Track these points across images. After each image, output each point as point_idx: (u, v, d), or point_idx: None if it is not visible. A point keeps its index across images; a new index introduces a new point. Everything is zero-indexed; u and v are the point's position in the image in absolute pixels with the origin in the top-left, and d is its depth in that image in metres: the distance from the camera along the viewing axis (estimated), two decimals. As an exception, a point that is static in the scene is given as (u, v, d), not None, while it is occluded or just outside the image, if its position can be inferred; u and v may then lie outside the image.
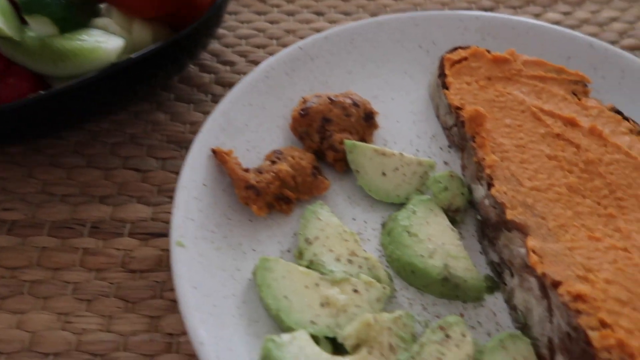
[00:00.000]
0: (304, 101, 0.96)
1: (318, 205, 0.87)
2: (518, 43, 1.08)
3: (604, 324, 0.65)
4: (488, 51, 1.02)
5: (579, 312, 0.67)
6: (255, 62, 1.20)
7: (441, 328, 0.73)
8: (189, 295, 0.73)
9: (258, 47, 1.25)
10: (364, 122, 0.96)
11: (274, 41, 1.27)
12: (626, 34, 1.29)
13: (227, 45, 1.25)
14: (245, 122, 0.96)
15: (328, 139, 0.93)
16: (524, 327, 0.76)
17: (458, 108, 0.95)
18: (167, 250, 0.90)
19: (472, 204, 0.90)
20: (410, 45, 1.11)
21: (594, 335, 0.64)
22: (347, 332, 0.72)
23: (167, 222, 0.94)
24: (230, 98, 0.96)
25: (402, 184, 0.91)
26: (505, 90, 0.96)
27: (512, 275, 0.79)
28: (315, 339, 0.73)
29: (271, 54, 1.21)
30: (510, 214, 0.79)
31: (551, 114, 0.92)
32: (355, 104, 0.96)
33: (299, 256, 0.83)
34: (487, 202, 0.85)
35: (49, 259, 0.90)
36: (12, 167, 1.01)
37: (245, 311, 0.77)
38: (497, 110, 0.93)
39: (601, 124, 0.90)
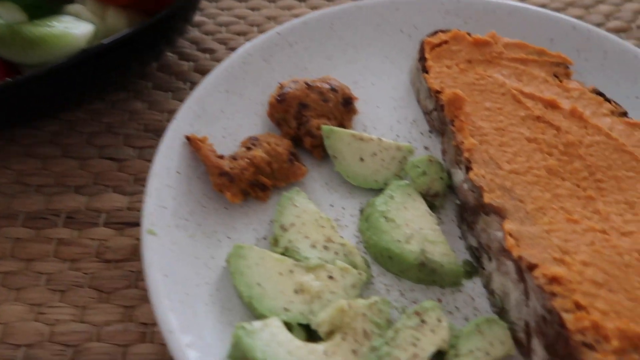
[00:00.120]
0: (281, 87, 0.95)
1: (294, 191, 0.86)
2: (500, 26, 1.06)
3: (579, 306, 0.64)
4: (469, 34, 1.00)
5: (554, 294, 0.65)
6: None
7: (417, 313, 0.72)
8: (159, 284, 0.72)
9: (238, 34, 1.23)
10: (343, 107, 0.95)
11: (255, 28, 1.25)
12: (612, 16, 1.27)
13: (207, 33, 1.23)
14: (221, 109, 0.95)
15: (305, 125, 0.91)
16: (501, 312, 0.75)
17: (437, 92, 0.93)
18: (142, 240, 0.89)
19: (451, 188, 0.89)
20: (391, 30, 1.10)
21: (568, 317, 0.63)
22: (320, 319, 0.71)
23: (143, 211, 0.92)
24: (205, 85, 0.94)
25: (381, 170, 0.89)
26: (485, 73, 0.95)
27: (490, 259, 0.78)
28: (289, 326, 0.72)
29: (252, 41, 1.19)
30: (487, 198, 0.77)
31: (531, 97, 0.90)
32: (333, 89, 0.94)
33: (274, 243, 0.81)
34: (465, 186, 0.83)
35: (22, 249, 0.88)
36: (-14, 158, 1.00)
37: (219, 299, 0.76)
38: (477, 93, 0.92)
39: (582, 105, 0.89)
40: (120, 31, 0.94)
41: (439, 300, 0.78)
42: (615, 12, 1.28)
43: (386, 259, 0.80)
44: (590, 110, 0.88)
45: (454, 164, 0.87)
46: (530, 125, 0.87)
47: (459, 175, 0.86)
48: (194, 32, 1.22)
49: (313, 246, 0.80)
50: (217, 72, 0.97)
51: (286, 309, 0.73)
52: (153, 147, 1.02)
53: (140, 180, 0.97)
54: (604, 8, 1.29)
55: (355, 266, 0.78)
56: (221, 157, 0.86)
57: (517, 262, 0.71)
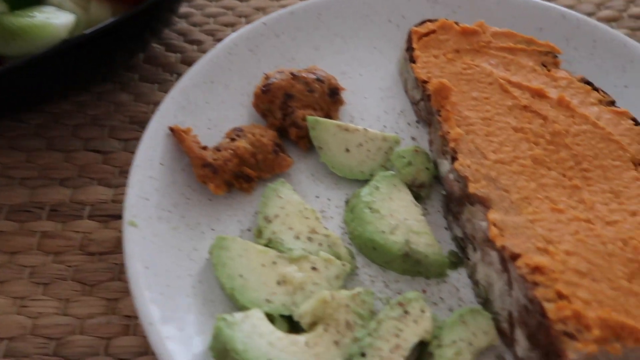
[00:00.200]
0: (267, 77, 0.94)
1: (279, 183, 0.85)
2: (489, 15, 1.05)
3: (561, 296, 0.63)
4: (457, 23, 0.99)
5: (536, 284, 0.65)
6: (223, 41, 1.17)
7: (400, 304, 0.72)
8: (139, 275, 0.71)
9: (226, 25, 1.22)
10: (329, 98, 0.94)
11: (243, 19, 1.24)
12: (603, 5, 1.26)
13: (194, 24, 1.22)
14: (206, 100, 0.94)
15: (290, 116, 0.90)
16: (485, 302, 0.74)
17: (424, 82, 0.92)
18: (126, 232, 0.88)
19: (438, 179, 0.88)
20: (380, 20, 1.08)
21: (549, 306, 0.62)
22: (302, 310, 0.70)
23: (128, 203, 0.92)
24: (189, 76, 0.93)
25: (367, 160, 0.89)
26: (473, 62, 0.94)
27: (474, 249, 0.77)
28: (272, 317, 0.71)
29: (239, 32, 1.18)
30: (472, 188, 0.77)
31: (519, 86, 0.89)
32: (319, 80, 0.93)
33: (258, 235, 0.81)
34: (451, 176, 0.82)
35: (5, 242, 0.88)
36: (-30, 151, 0.99)
37: (201, 291, 0.75)
38: (464, 83, 0.91)
39: (570, 95, 0.88)
40: (103, 21, 0.93)
41: (424, 291, 0.78)
42: (607, 1, 1.26)
43: (370, 250, 0.79)
44: (578, 100, 0.87)
45: (441, 155, 0.87)
46: (517, 115, 0.86)
47: (445, 165, 0.85)
48: (181, 24, 1.21)
49: (297, 237, 0.79)
50: (202, 63, 0.96)
51: (268, 301, 0.72)
52: (138, 139, 0.99)
53: (126, 172, 0.96)
54: (595, -3, 1.28)
55: (339, 257, 0.78)
56: (205, 148, 0.85)
57: (501, 252, 0.70)
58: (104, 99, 1.07)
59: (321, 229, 0.81)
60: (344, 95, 0.98)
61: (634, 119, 0.84)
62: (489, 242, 0.72)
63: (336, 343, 0.69)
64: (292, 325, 0.72)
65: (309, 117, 0.89)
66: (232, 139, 0.87)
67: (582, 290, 0.64)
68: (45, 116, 1.04)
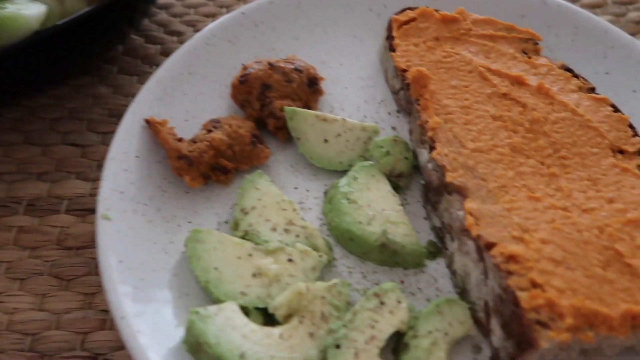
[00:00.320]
0: (244, 68, 0.93)
1: (257, 174, 0.84)
2: (470, 2, 1.03)
3: (534, 284, 0.63)
4: (437, 11, 0.98)
5: (510, 273, 0.64)
6: (204, 32, 1.16)
7: (376, 295, 0.71)
8: (112, 269, 0.70)
9: (207, 16, 1.21)
10: (308, 88, 0.93)
11: (224, 10, 1.22)
12: (588, -8, 1.25)
13: (174, 15, 1.20)
14: (184, 91, 0.93)
15: (268, 106, 0.89)
16: (462, 292, 0.74)
17: (404, 70, 0.91)
18: (103, 226, 0.87)
19: (418, 169, 0.88)
20: (360, 9, 1.07)
21: (522, 295, 0.62)
22: (277, 302, 0.70)
23: (105, 197, 0.91)
24: (166, 67, 0.92)
25: (345, 151, 0.88)
26: (453, 50, 0.93)
27: (452, 239, 0.76)
28: (247, 310, 0.71)
29: (220, 23, 1.17)
30: (449, 177, 0.76)
31: (498, 74, 0.88)
32: (297, 70, 0.92)
33: (234, 227, 0.80)
34: (430, 165, 0.82)
35: (-18, 238, 0.87)
36: (-54, 146, 0.98)
37: (176, 284, 0.74)
38: (444, 71, 0.90)
39: (549, 82, 0.87)
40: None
41: (402, 282, 0.77)
42: (591, -12, 1.25)
43: (348, 241, 0.79)
44: (558, 87, 0.87)
45: (420, 144, 0.86)
46: (496, 103, 0.85)
47: (424, 155, 0.84)
48: (161, 15, 1.20)
49: (274, 229, 0.78)
50: (180, 54, 0.94)
51: (243, 293, 0.71)
52: (117, 132, 1.00)
53: (104, 166, 0.95)
54: (580, -16, 1.27)
55: (316, 249, 0.77)
56: (180, 140, 0.84)
57: (477, 241, 0.69)
58: (82, 92, 1.05)
59: (298, 220, 0.80)
60: (324, 85, 0.97)
61: (613, 106, 0.84)
62: (465, 231, 0.72)
63: (311, 335, 0.68)
64: (268, 318, 0.71)
65: (287, 108, 0.88)
66: (209, 131, 0.86)
67: (557, 279, 0.63)
68: (23, 110, 1.02)
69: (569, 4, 1.01)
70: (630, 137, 0.79)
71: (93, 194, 0.92)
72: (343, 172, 0.87)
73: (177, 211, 0.82)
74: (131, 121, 0.85)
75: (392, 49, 0.95)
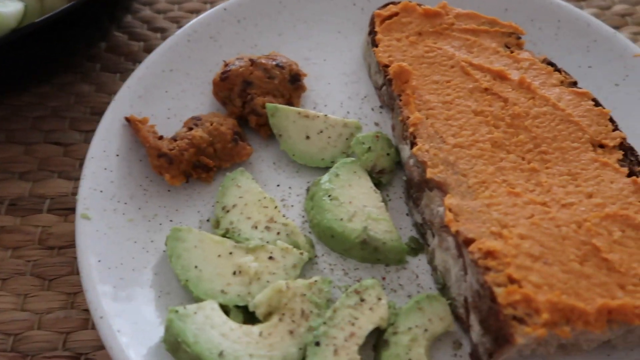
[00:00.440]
0: (226, 65, 0.92)
1: (238, 172, 0.84)
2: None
3: (512, 280, 0.63)
4: (419, 5, 0.97)
5: (488, 269, 0.64)
6: (188, 28, 1.15)
7: (356, 292, 0.71)
8: (92, 269, 0.70)
9: (191, 12, 1.20)
10: (290, 84, 0.92)
11: (208, 5, 1.21)
12: (574, -15, 1.24)
13: (158, 11, 1.19)
14: (166, 89, 0.92)
15: (250, 103, 0.89)
16: (443, 288, 0.74)
17: (386, 66, 0.91)
18: (86, 225, 0.87)
19: (401, 165, 0.87)
20: (344, 3, 1.06)
21: (499, 291, 0.62)
22: (257, 300, 0.70)
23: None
24: (147, 64, 0.92)
25: (327, 147, 0.88)
26: (435, 45, 0.92)
27: (433, 235, 0.76)
28: (228, 309, 0.71)
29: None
30: (430, 173, 0.76)
31: (480, 68, 0.88)
32: (279, 66, 0.92)
33: (215, 225, 0.80)
34: (411, 161, 0.82)
35: (-37, 238, 0.87)
36: None
37: (157, 283, 0.74)
38: (426, 66, 0.90)
39: (531, 76, 0.87)
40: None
41: (383, 278, 0.77)
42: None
43: (329, 238, 0.79)
44: (540, 81, 0.86)
45: (402, 140, 0.86)
46: (478, 98, 0.85)
47: (405, 151, 0.84)
48: (145, 11, 1.19)
49: (255, 227, 0.78)
50: (161, 51, 0.94)
51: (223, 292, 0.71)
52: (99, 131, 0.99)
53: (86, 164, 0.95)
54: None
55: (297, 246, 0.77)
56: (161, 138, 0.84)
57: (456, 237, 0.69)
58: (65, 90, 1.05)
59: (280, 218, 0.80)
60: (307, 81, 0.97)
61: (594, 100, 0.83)
62: (445, 227, 0.72)
63: (291, 332, 0.68)
64: (249, 316, 0.71)
65: (269, 104, 0.88)
66: (190, 128, 0.85)
67: (534, 274, 0.63)
68: (5, 108, 1.02)
69: (552, -2, 1.01)
70: (611, 131, 0.79)
71: (75, 193, 0.91)
72: (326, 169, 0.86)
73: (158, 210, 0.82)
74: (111, 120, 0.85)
75: (374, 44, 0.95)
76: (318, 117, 0.88)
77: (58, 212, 0.90)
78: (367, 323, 0.69)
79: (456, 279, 0.70)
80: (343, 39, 1.05)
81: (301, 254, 0.76)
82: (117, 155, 0.83)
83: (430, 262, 0.77)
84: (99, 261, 0.72)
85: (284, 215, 0.81)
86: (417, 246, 0.80)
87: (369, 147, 0.85)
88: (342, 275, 0.78)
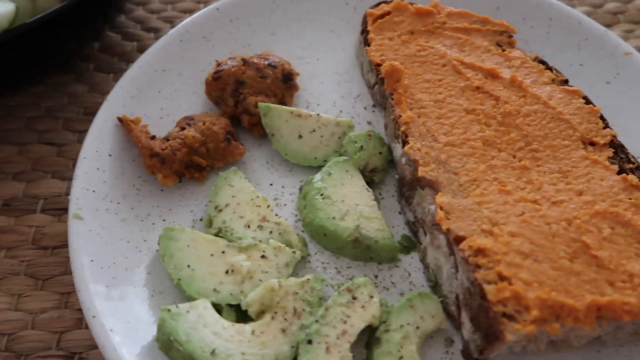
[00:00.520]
0: (218, 64, 0.92)
1: (231, 171, 0.84)
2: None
3: (502, 277, 0.63)
4: (411, 4, 0.97)
5: (478, 266, 0.65)
6: (181, 28, 1.15)
7: (348, 290, 0.71)
8: (84, 268, 0.71)
9: (184, 12, 1.20)
10: (282, 84, 0.92)
11: (202, 5, 1.21)
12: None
13: (151, 11, 1.19)
14: (158, 89, 0.92)
15: (242, 103, 0.89)
16: (435, 286, 0.74)
17: (378, 65, 0.91)
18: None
19: (393, 163, 0.88)
20: (337, 2, 1.07)
21: (489, 288, 0.62)
22: (249, 299, 0.70)
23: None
24: (139, 64, 0.92)
25: (320, 146, 0.88)
26: (427, 44, 0.92)
27: (425, 233, 0.77)
28: (220, 307, 0.71)
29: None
30: (422, 171, 0.76)
31: (472, 67, 0.88)
32: (271, 65, 0.92)
33: (208, 224, 0.80)
34: (403, 160, 0.82)
35: (-44, 239, 0.87)
36: None
37: (150, 283, 0.75)
38: (418, 65, 0.90)
39: (523, 74, 0.87)
40: (51, 11, 0.91)
41: (376, 277, 0.78)
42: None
43: (321, 237, 0.79)
44: (531, 79, 0.87)
45: (394, 138, 0.86)
46: (469, 96, 0.85)
47: (398, 149, 0.84)
48: (138, 11, 1.19)
49: (247, 226, 0.79)
50: (153, 51, 0.94)
51: (216, 290, 0.72)
52: (93, 131, 1.00)
53: (80, 164, 0.95)
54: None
55: (290, 245, 0.77)
56: (153, 138, 0.84)
57: (447, 235, 0.70)
58: (58, 90, 1.05)
59: (272, 217, 0.80)
60: (300, 80, 0.97)
61: (585, 98, 0.84)
62: (436, 225, 0.72)
63: (283, 331, 0.69)
64: (241, 315, 0.72)
65: (261, 104, 0.88)
66: (182, 128, 0.85)
67: (524, 271, 0.64)
68: (-1, 109, 1.02)
69: (544, -4, 1.01)
70: (601, 129, 0.80)
71: (69, 193, 0.91)
72: (318, 168, 0.87)
73: (151, 209, 0.82)
74: (104, 120, 0.85)
75: (366, 43, 0.95)
76: (310, 116, 0.89)
77: (52, 212, 0.90)
78: (359, 321, 0.69)
79: (447, 276, 0.71)
80: (336, 38, 1.05)
81: (294, 252, 0.76)
82: (110, 155, 0.83)
83: (423, 260, 0.78)
84: (92, 261, 0.72)
85: (276, 214, 0.81)
86: (410, 244, 0.80)
87: (361, 146, 0.85)
88: (334, 273, 0.78)
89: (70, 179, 0.93)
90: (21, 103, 1.03)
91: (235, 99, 0.90)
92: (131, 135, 0.83)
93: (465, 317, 0.67)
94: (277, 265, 0.75)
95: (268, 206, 0.81)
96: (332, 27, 1.06)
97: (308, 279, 0.73)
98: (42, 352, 0.76)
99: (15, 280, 0.83)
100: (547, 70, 0.88)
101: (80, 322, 0.79)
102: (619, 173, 0.75)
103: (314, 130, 0.88)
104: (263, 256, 0.75)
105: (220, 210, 0.80)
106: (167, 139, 0.84)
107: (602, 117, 0.81)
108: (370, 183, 0.85)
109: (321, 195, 0.81)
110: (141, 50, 1.12)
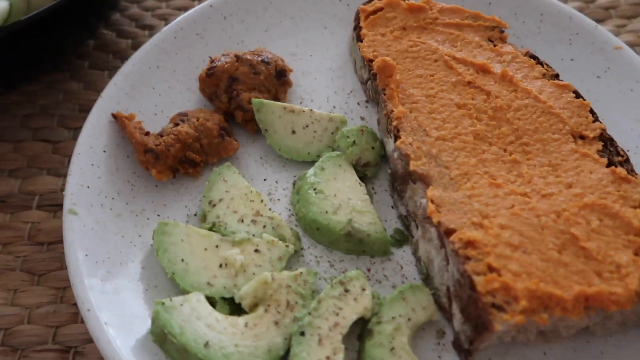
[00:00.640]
0: (212, 61, 0.93)
1: (225, 167, 0.85)
2: (439, -9, 1.04)
3: (491, 269, 0.64)
4: (404, 0, 0.98)
5: (468, 258, 0.66)
6: (176, 25, 1.15)
7: (341, 283, 0.72)
8: (79, 263, 0.71)
9: (179, 9, 1.21)
10: (276, 80, 0.93)
11: (196, 2, 1.22)
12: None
13: (146, 9, 1.20)
14: (152, 86, 0.93)
15: (236, 99, 0.90)
16: (427, 278, 0.75)
17: (370, 60, 0.92)
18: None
19: (386, 158, 0.88)
20: (330, -1, 1.07)
21: (478, 280, 0.63)
22: (243, 292, 0.71)
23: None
24: (133, 61, 0.92)
25: (313, 141, 0.89)
26: (419, 39, 0.93)
27: (417, 227, 0.77)
28: (214, 301, 0.72)
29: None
30: (413, 165, 0.77)
31: (464, 62, 0.89)
32: (264, 62, 0.93)
33: (202, 219, 0.81)
34: (395, 154, 0.83)
35: (-47, 235, 0.87)
36: None
37: (145, 277, 0.75)
38: (410, 60, 0.91)
39: (514, 69, 0.88)
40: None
41: (368, 270, 0.78)
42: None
43: (315, 231, 0.80)
44: (522, 74, 0.87)
45: (386, 133, 0.87)
46: (461, 91, 0.86)
47: (390, 144, 0.85)
48: (133, 9, 1.19)
49: (241, 220, 0.79)
50: (147, 48, 0.95)
51: (210, 284, 0.72)
52: (88, 128, 1.00)
53: (75, 161, 0.96)
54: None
55: (283, 239, 0.78)
56: (147, 134, 0.84)
57: (438, 227, 0.71)
58: (53, 88, 1.05)
59: (266, 211, 0.81)
60: (294, 76, 0.97)
61: (575, 92, 0.85)
62: (427, 218, 0.73)
63: (276, 323, 0.69)
64: (235, 308, 0.72)
65: (254, 100, 0.89)
66: (176, 124, 0.86)
67: (513, 263, 0.65)
68: (-7, 107, 1.03)
69: (535, -8, 1.02)
70: (591, 122, 0.81)
71: (64, 190, 0.92)
72: (312, 163, 0.87)
73: (146, 205, 0.83)
74: (98, 116, 0.86)
75: (359, 39, 0.96)
76: (303, 111, 0.89)
77: (47, 209, 0.91)
78: (351, 313, 0.70)
79: (439, 269, 0.72)
80: (329, 35, 1.06)
81: (287, 246, 0.77)
82: (104, 152, 0.84)
83: (415, 253, 0.79)
84: (86, 255, 0.73)
85: (270, 209, 0.82)
86: (402, 238, 0.81)
87: (354, 141, 0.86)
88: (327, 267, 0.79)
89: (65, 176, 0.94)
90: (16, 101, 1.03)
91: (229, 95, 0.90)
92: (125, 131, 0.84)
93: (455, 309, 0.68)
94: (271, 259, 0.75)
95: (261, 201, 0.82)
96: (325, 24, 1.06)
97: (301, 272, 0.74)
98: (38, 347, 0.77)
99: (12, 275, 0.83)
100: (538, 65, 0.89)
101: (76, 316, 0.80)
102: (608, 166, 0.76)
103: (307, 126, 0.89)
104: (256, 250, 0.76)
105: (214, 205, 0.81)
106: (161, 135, 0.84)
107: (591, 111, 0.82)
108: (363, 177, 0.86)
109: (314, 189, 0.81)
110: (136, 47, 1.12)
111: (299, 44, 1.04)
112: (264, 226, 0.79)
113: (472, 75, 0.87)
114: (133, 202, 0.82)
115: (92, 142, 0.83)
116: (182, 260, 0.74)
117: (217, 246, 0.76)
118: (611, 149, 0.78)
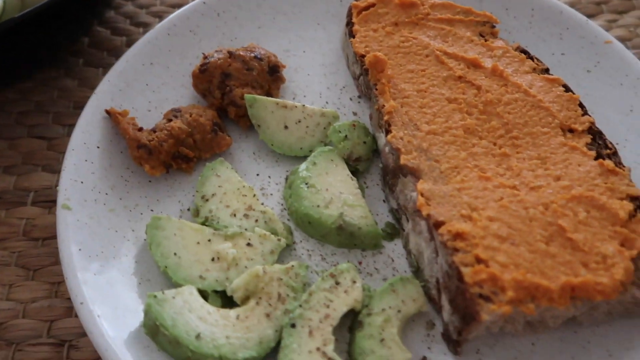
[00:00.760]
0: (205, 57, 0.94)
1: (218, 162, 0.86)
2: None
3: (479, 260, 0.65)
4: (396, -4, 0.99)
5: (456, 250, 0.66)
6: (170, 23, 1.16)
7: (332, 275, 0.73)
8: (72, 257, 0.72)
9: (173, 6, 1.21)
10: (269, 76, 0.94)
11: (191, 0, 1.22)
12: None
13: (140, 6, 1.20)
14: (146, 82, 0.94)
15: (229, 95, 0.90)
16: (417, 271, 0.76)
17: (362, 56, 0.92)
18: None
19: (378, 152, 0.89)
20: (323, -5, 1.08)
21: (466, 271, 0.64)
22: (234, 285, 0.72)
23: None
24: (127, 57, 0.93)
25: (305, 137, 0.89)
26: (411, 35, 0.94)
27: (407, 220, 0.78)
28: (206, 294, 0.73)
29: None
30: (404, 159, 0.78)
31: (455, 57, 0.90)
32: (257, 58, 0.93)
33: (195, 214, 0.82)
34: (386, 149, 0.83)
35: (-52, 231, 0.88)
36: None
37: (138, 271, 0.76)
38: (402, 55, 0.91)
39: (504, 64, 0.89)
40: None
41: (360, 263, 0.79)
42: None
43: (306, 225, 0.80)
44: (512, 68, 0.88)
45: (378, 128, 0.87)
46: (452, 86, 0.86)
47: (382, 138, 0.86)
48: (127, 6, 1.20)
49: (233, 215, 0.80)
50: (141, 45, 0.95)
51: (202, 277, 0.73)
52: (83, 124, 1.01)
53: (70, 157, 0.96)
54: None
55: (275, 233, 0.79)
56: (141, 129, 0.85)
57: (427, 220, 0.71)
58: (48, 85, 1.06)
59: (258, 205, 0.81)
60: (287, 72, 0.98)
61: (565, 86, 0.85)
62: (417, 211, 0.74)
63: (267, 315, 0.70)
64: (227, 301, 0.73)
65: (247, 95, 0.89)
66: (169, 120, 0.87)
67: (501, 254, 0.65)
68: (-11, 104, 1.03)
69: (526, -13, 1.03)
70: (580, 116, 0.81)
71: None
72: (304, 158, 0.88)
73: (139, 200, 0.84)
74: (92, 113, 0.87)
75: (351, 35, 0.96)
76: (296, 107, 0.90)
77: (42, 205, 0.91)
78: (341, 305, 0.71)
79: (428, 261, 0.72)
80: (322, 31, 1.06)
81: (279, 240, 0.78)
82: (98, 147, 0.85)
83: (405, 246, 0.79)
84: (80, 250, 0.73)
85: (262, 203, 0.83)
86: (393, 231, 0.82)
87: (346, 136, 0.86)
88: (319, 260, 0.80)
89: (60, 172, 0.95)
90: (11, 98, 1.04)
91: (222, 91, 0.91)
92: (119, 127, 0.85)
93: (444, 300, 0.68)
94: (262, 253, 0.76)
95: (254, 195, 0.82)
96: (318, 20, 1.07)
97: (292, 266, 0.75)
98: (33, 340, 0.78)
99: (7, 270, 0.84)
100: (529, 60, 0.90)
101: (70, 310, 0.81)
102: (596, 158, 0.76)
103: (299, 121, 0.89)
104: (248, 244, 0.77)
105: (207, 200, 0.81)
106: (154, 130, 0.85)
107: (581, 104, 0.83)
108: (354, 172, 0.86)
109: (306, 184, 0.82)
110: (130, 45, 1.12)
111: (292, 40, 1.04)
112: (256, 220, 0.80)
113: (463, 70, 0.88)
114: (127, 197, 0.83)
115: (86, 138, 0.84)
116: (175, 254, 0.75)
117: (209, 240, 0.76)
118: (600, 142, 0.79)
